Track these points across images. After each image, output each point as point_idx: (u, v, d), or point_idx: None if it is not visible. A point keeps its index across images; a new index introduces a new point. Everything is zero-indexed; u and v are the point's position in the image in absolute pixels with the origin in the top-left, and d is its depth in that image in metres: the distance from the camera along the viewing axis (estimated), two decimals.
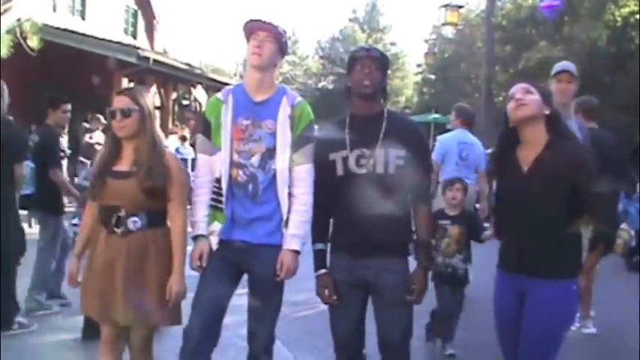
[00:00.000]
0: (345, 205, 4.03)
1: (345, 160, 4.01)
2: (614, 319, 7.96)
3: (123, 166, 4.07)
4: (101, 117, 15.98)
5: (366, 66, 4.03)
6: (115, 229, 4.03)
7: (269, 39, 4.03)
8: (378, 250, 3.97)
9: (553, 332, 3.80)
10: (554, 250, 3.77)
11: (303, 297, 7.87)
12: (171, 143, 17.63)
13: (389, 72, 4.37)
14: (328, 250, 4.18)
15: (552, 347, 3.83)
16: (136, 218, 4.03)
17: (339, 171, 4.03)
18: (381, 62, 4.09)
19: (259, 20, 4.04)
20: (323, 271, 4.13)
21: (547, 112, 3.85)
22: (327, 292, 4.08)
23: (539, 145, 3.83)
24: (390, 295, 4.00)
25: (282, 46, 4.13)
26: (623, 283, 10.55)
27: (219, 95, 4.19)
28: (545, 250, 3.77)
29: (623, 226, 11.90)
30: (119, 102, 4.08)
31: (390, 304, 4.02)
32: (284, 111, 4.04)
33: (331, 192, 4.06)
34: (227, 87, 4.29)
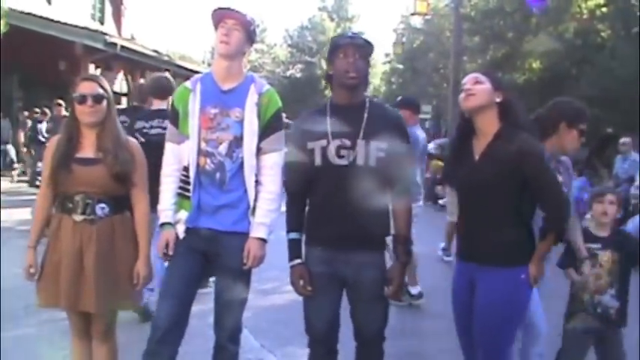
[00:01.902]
0: (322, 196, 3.96)
1: (324, 149, 3.90)
2: None
3: (86, 153, 4.04)
4: (62, 103, 15.84)
5: (349, 55, 3.90)
6: (84, 217, 3.99)
7: (237, 27, 4.00)
8: (357, 244, 3.89)
9: (502, 322, 3.80)
10: (503, 238, 3.77)
11: (270, 285, 7.92)
12: None
13: None
14: (303, 240, 4.09)
15: (505, 336, 3.84)
16: (103, 204, 4.01)
17: (317, 160, 3.91)
18: (365, 50, 3.97)
19: (227, 8, 4.01)
20: (298, 261, 4.03)
21: (498, 99, 3.86)
22: (301, 282, 3.99)
23: (491, 133, 3.84)
24: (369, 290, 3.93)
25: (250, 35, 4.11)
26: None
27: (187, 84, 4.17)
28: (493, 238, 3.79)
29: (588, 216, 12.11)
30: (88, 87, 4.04)
31: (369, 299, 3.95)
32: (251, 99, 4.01)
33: (307, 181, 3.99)
34: (195, 75, 4.27)
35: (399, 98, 8.69)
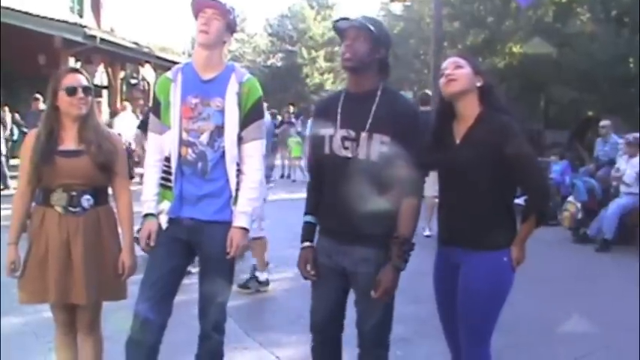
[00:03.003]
0: (328, 186, 3.92)
1: (331, 138, 3.82)
2: (559, 290, 8.12)
3: (68, 145, 4.04)
4: (40, 97, 15.74)
5: (348, 37, 3.78)
6: (71, 209, 3.99)
7: (216, 16, 3.99)
8: (355, 238, 3.79)
9: (484, 304, 3.81)
10: (485, 222, 3.78)
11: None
12: (122, 121, 17.40)
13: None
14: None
15: (487, 320, 3.85)
16: (88, 196, 4.02)
17: (326, 149, 3.84)
18: (367, 33, 3.75)
19: None
20: (307, 244, 4.02)
21: (479, 84, 3.85)
22: (307, 266, 3.99)
23: (471, 118, 3.84)
24: (364, 286, 3.79)
25: (230, 24, 4.10)
26: (570, 256, 10.74)
27: (168, 74, 4.16)
28: (475, 222, 3.79)
29: (570, 199, 12.22)
30: (77, 79, 4.06)
31: (366, 293, 3.78)
32: (232, 88, 4.01)
33: (321, 167, 3.96)
34: (177, 66, 4.27)
35: None
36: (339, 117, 3.83)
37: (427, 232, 10.98)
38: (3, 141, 16.76)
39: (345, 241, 3.83)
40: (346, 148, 3.77)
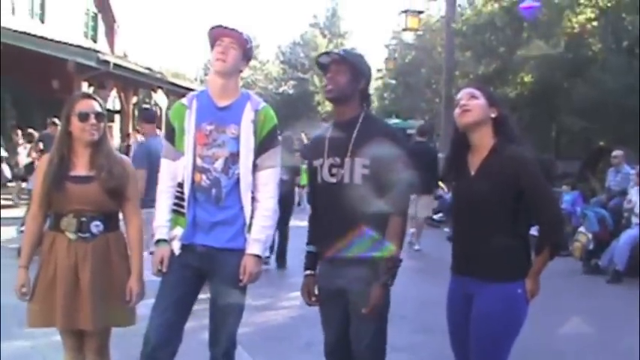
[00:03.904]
0: (320, 213, 4.10)
1: (321, 168, 4.02)
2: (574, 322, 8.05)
3: (79, 171, 4.05)
4: (57, 121, 15.82)
5: (329, 70, 4.01)
6: (80, 234, 3.99)
7: (233, 45, 4.04)
8: (346, 261, 3.92)
9: (498, 336, 3.79)
10: (500, 253, 3.76)
11: (264, 302, 7.90)
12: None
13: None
14: None
15: (500, 351, 3.82)
16: (97, 222, 4.03)
17: (319, 178, 4.04)
18: (346, 64, 3.98)
19: (224, 26, 4.05)
20: (307, 272, 4.20)
21: (493, 115, 3.86)
22: (308, 294, 4.18)
23: (486, 149, 3.84)
24: (358, 302, 3.88)
25: (246, 52, 4.14)
26: (581, 287, 10.68)
27: (183, 100, 4.20)
28: (490, 253, 3.77)
29: (581, 229, 12.16)
30: (90, 105, 4.07)
31: (358, 312, 3.88)
32: (247, 116, 4.04)
33: (316, 196, 4.15)
34: (192, 92, 4.29)
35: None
36: (326, 146, 4.03)
37: (417, 247, 12.32)
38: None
39: (337, 264, 3.98)
40: (333, 175, 3.96)
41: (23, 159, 16.95)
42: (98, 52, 21.04)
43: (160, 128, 8.58)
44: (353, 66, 4.01)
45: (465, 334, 3.88)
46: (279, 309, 7.91)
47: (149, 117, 8.84)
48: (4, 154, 17.92)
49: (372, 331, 3.95)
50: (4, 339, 5.99)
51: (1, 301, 5.90)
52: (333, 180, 3.94)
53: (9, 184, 18.51)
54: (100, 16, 30.85)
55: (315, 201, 4.20)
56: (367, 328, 3.94)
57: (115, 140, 20.63)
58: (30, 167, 14.52)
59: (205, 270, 4.10)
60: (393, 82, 44.46)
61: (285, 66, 59.62)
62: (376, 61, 46.58)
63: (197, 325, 4.44)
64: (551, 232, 3.78)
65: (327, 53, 4.13)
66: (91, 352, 4.18)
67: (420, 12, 28.70)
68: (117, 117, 25.35)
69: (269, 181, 4.09)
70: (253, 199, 4.06)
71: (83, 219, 4.00)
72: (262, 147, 4.07)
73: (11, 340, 6.07)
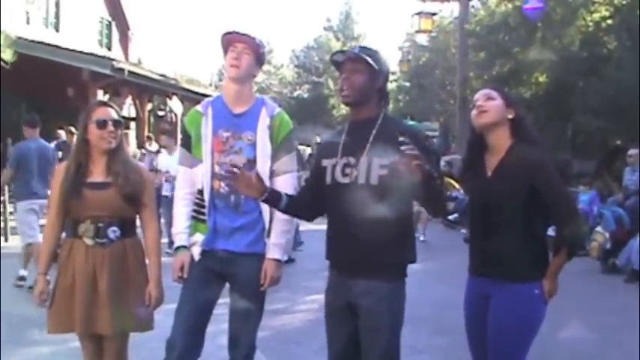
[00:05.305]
0: (330, 216, 3.83)
1: (333, 167, 3.74)
2: (587, 322, 8.05)
3: (96, 177, 4.08)
4: (73, 129, 15.91)
5: (345, 70, 3.73)
6: (97, 240, 4.02)
7: (247, 50, 4.05)
8: (361, 270, 3.65)
9: (516, 337, 3.77)
10: (517, 253, 3.75)
11: (282, 305, 7.92)
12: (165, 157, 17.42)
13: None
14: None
15: (518, 352, 3.81)
16: (115, 227, 4.05)
17: (328, 179, 3.77)
18: (362, 62, 3.68)
19: (237, 32, 4.06)
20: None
21: (510, 116, 3.85)
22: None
23: (503, 149, 3.83)
24: (369, 320, 3.66)
25: (259, 57, 4.16)
26: (598, 286, 10.64)
27: (198, 107, 4.22)
28: (507, 253, 3.76)
29: (598, 229, 12.12)
30: (108, 113, 4.10)
31: (369, 329, 3.67)
32: (263, 122, 4.06)
33: (319, 197, 3.85)
34: (207, 99, 4.31)
35: None
36: (340, 147, 3.76)
37: (422, 238, 13.03)
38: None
39: (348, 273, 3.72)
40: (345, 175, 3.69)
41: None
42: (113, 59, 21.17)
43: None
44: (369, 64, 3.68)
45: (482, 336, 3.88)
46: (296, 312, 7.93)
47: (32, 121, 9.63)
48: None
49: (384, 341, 3.68)
50: (25, 345, 6.04)
51: (23, 307, 5.95)
52: (346, 180, 3.67)
53: None
54: (114, 23, 30.98)
55: (313, 197, 3.93)
56: (379, 345, 3.68)
57: (131, 147, 20.66)
58: None
59: (226, 274, 4.12)
60: (407, 84, 44.42)
61: (299, 70, 59.55)
62: (390, 63, 46.61)
63: (215, 329, 4.46)
64: (568, 232, 3.75)
65: (342, 51, 3.87)
66: (109, 358, 4.19)
67: (434, 14, 28.67)
68: (132, 124, 25.42)
69: (286, 186, 4.07)
70: None
71: (100, 225, 4.02)
72: (279, 152, 4.09)
73: (32, 346, 6.10)
